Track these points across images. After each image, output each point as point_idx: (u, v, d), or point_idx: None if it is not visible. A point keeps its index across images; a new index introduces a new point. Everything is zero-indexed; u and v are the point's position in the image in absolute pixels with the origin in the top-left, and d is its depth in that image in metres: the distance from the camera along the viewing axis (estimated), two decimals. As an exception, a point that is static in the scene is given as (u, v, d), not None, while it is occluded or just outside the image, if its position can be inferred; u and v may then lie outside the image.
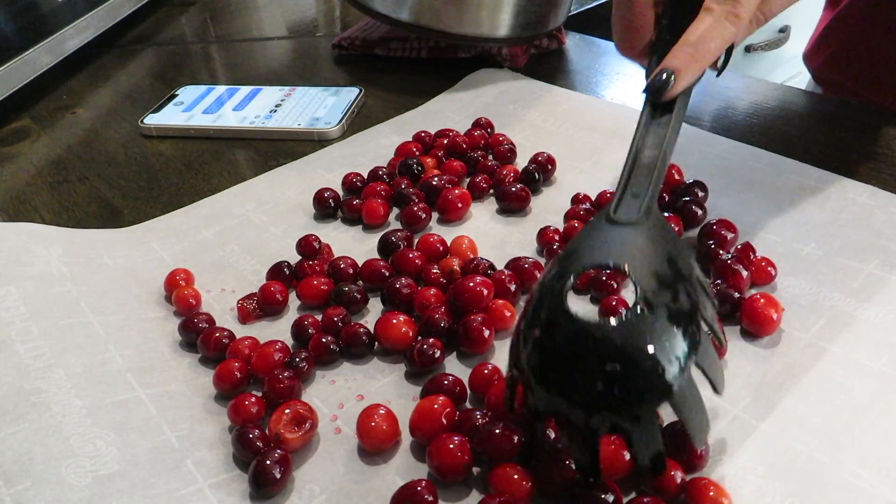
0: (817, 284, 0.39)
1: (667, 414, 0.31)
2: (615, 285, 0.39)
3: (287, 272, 0.42)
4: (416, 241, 0.44)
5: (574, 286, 0.40)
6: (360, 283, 0.42)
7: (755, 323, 0.36)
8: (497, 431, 0.30)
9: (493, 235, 0.46)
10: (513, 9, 0.61)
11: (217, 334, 0.37)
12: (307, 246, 0.44)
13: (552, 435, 0.30)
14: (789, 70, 1.44)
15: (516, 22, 0.61)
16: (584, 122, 0.57)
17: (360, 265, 0.42)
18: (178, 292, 0.41)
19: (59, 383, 0.35)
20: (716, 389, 0.28)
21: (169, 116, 0.63)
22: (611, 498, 0.28)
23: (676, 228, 0.42)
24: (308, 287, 0.40)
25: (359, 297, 0.40)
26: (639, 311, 0.27)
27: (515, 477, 0.29)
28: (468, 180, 0.51)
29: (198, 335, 0.38)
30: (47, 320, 0.38)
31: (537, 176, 0.49)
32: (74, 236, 0.46)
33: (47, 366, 0.35)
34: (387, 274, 0.41)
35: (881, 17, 0.72)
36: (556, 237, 0.43)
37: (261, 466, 0.30)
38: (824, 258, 0.40)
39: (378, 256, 0.44)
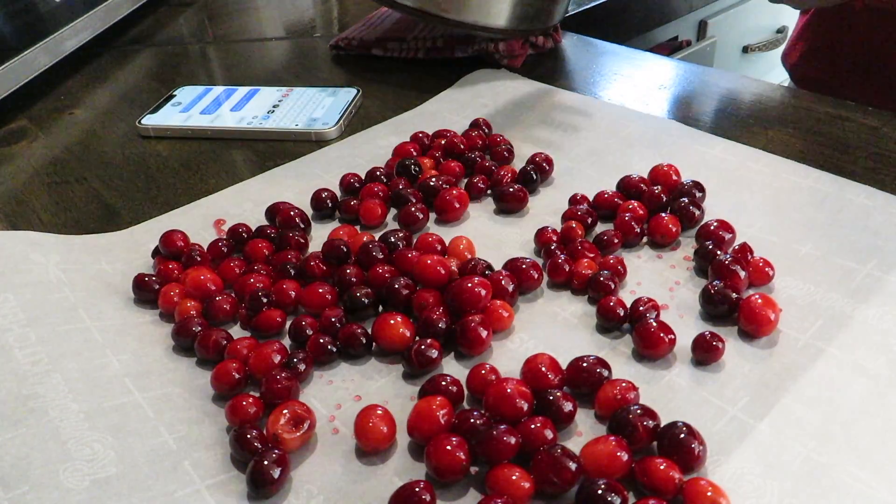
0: (815, 285, 0.39)
1: (666, 413, 0.32)
2: (613, 286, 0.39)
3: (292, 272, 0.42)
4: (414, 241, 0.44)
5: (573, 287, 0.40)
6: (368, 289, 0.41)
7: (753, 323, 0.36)
8: (495, 432, 0.30)
9: (490, 236, 0.46)
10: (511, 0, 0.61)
11: (215, 336, 0.37)
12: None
13: (550, 435, 0.30)
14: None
15: (513, 14, 0.62)
16: (582, 122, 0.57)
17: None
18: (180, 307, 0.40)
19: (57, 388, 0.35)
20: None
21: (166, 117, 0.63)
22: (617, 500, 0.28)
23: (675, 229, 0.43)
24: (313, 295, 0.40)
25: (367, 301, 0.39)
26: None
27: (514, 477, 0.29)
28: (466, 181, 0.51)
29: (192, 340, 0.38)
30: (45, 326, 0.38)
31: (535, 176, 0.49)
32: (72, 243, 0.46)
33: (45, 371, 0.35)
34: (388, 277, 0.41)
35: (855, 16, 0.73)
36: (554, 237, 0.43)
37: (258, 467, 0.30)
38: (822, 259, 0.40)
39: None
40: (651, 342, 0.35)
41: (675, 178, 0.47)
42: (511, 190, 0.47)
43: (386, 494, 0.30)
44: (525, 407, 0.32)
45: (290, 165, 0.55)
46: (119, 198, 0.53)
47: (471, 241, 0.43)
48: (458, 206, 0.47)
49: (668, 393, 0.34)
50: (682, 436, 0.30)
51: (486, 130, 0.56)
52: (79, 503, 0.30)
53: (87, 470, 0.31)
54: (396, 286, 0.39)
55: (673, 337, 0.35)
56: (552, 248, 0.42)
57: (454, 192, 0.47)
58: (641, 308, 0.37)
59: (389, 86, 0.67)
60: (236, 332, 0.40)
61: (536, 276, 0.40)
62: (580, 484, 0.29)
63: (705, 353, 0.35)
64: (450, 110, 0.61)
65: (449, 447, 0.30)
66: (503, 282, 0.39)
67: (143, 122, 0.62)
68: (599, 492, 0.28)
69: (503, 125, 0.57)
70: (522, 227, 0.46)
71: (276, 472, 0.30)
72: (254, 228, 0.46)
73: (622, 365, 0.35)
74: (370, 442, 0.32)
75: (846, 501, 0.28)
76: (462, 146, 0.53)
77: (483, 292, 0.38)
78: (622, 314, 0.37)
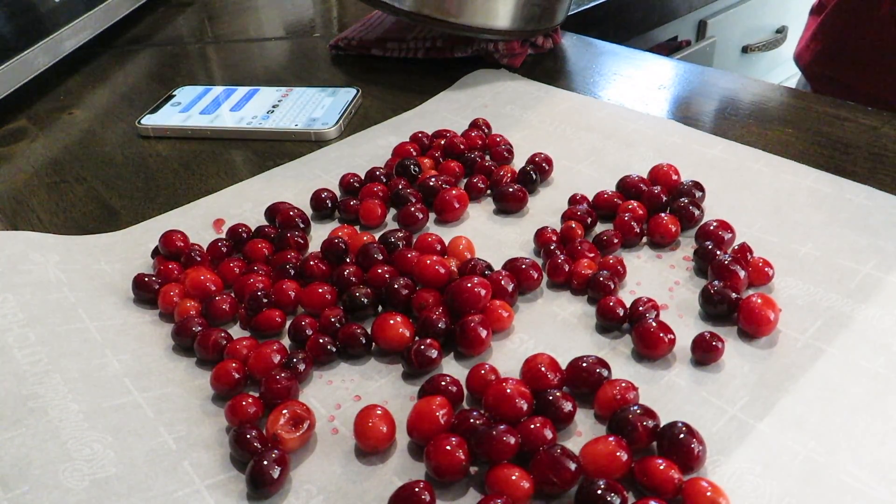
0: (814, 285, 0.39)
1: (666, 413, 0.32)
2: (612, 286, 0.39)
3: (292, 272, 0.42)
4: (413, 241, 0.44)
5: (572, 287, 0.40)
6: (368, 289, 0.40)
7: (752, 323, 0.36)
8: (495, 432, 0.30)
9: (490, 236, 0.46)
10: (516, 0, 0.61)
11: (215, 336, 0.37)
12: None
13: (550, 435, 0.30)
14: (786, 70, 1.44)
15: (519, 14, 0.61)
16: (582, 122, 0.57)
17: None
18: (180, 307, 0.40)
19: (57, 388, 0.35)
20: None
21: (166, 117, 0.63)
22: (617, 500, 0.28)
23: (674, 229, 0.43)
24: (313, 295, 0.40)
25: (366, 301, 0.39)
26: None
27: (513, 477, 0.29)
28: (465, 181, 0.51)
29: (192, 340, 0.38)
30: (45, 326, 0.38)
31: (534, 176, 0.49)
32: (72, 243, 0.46)
33: (45, 371, 0.35)
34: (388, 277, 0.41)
35: (868, 13, 0.74)
36: (554, 238, 0.43)
37: (258, 467, 0.30)
38: (822, 259, 0.40)
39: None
40: (651, 342, 0.35)
41: (674, 178, 0.47)
42: (511, 190, 0.47)
43: (386, 494, 0.30)
44: (525, 407, 0.32)
45: (289, 165, 0.55)
46: (118, 198, 0.53)
47: (470, 241, 0.43)
48: (457, 206, 0.47)
49: (668, 393, 0.34)
50: (682, 436, 0.30)
51: (486, 130, 0.56)
52: (78, 503, 0.30)
53: (86, 470, 0.31)
54: (396, 286, 0.39)
55: (672, 337, 0.35)
56: (552, 248, 0.42)
57: (454, 192, 0.47)
58: (641, 308, 0.37)
59: (389, 86, 0.67)
60: (236, 332, 0.40)
61: (536, 276, 0.40)
62: (580, 484, 0.29)
63: (705, 353, 0.35)
64: (449, 110, 0.61)
65: (448, 447, 0.30)
66: (503, 282, 0.39)
67: (143, 122, 0.62)
68: (599, 492, 0.28)
69: (503, 125, 0.57)
70: (522, 227, 0.46)
71: (276, 472, 0.30)
72: (253, 228, 0.46)
73: (622, 365, 0.35)
74: (370, 442, 0.32)
75: (846, 501, 0.28)
76: (462, 146, 0.53)
77: (483, 292, 0.38)
78: (622, 314, 0.37)
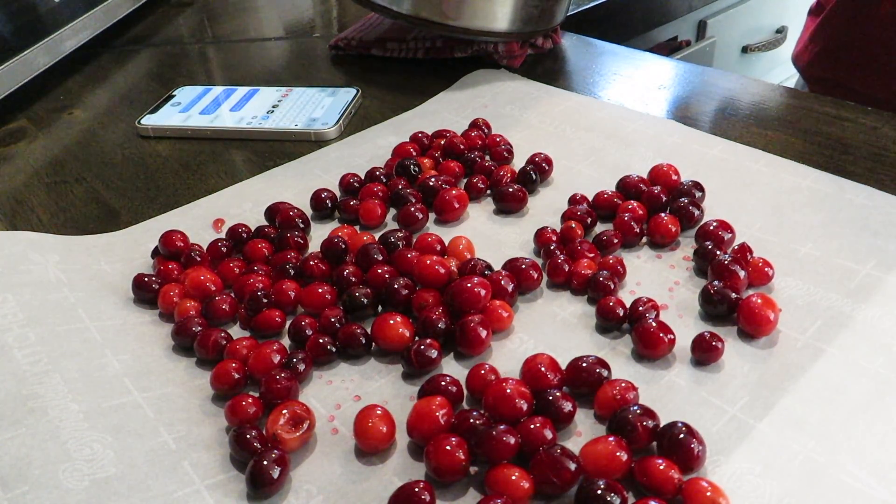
0: (814, 285, 0.39)
1: (665, 413, 0.32)
2: (612, 286, 0.39)
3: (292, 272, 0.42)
4: (413, 241, 0.44)
5: (572, 287, 0.40)
6: (368, 289, 0.40)
7: (752, 323, 0.36)
8: (495, 432, 0.30)
9: (490, 236, 0.46)
10: (514, 2, 0.61)
11: (214, 336, 0.37)
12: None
13: (549, 435, 0.30)
14: (786, 71, 1.44)
15: (517, 16, 0.62)
16: (582, 122, 0.57)
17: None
18: (180, 307, 0.40)
19: (56, 388, 0.35)
20: None
21: (166, 117, 0.63)
22: (617, 500, 0.28)
23: (674, 229, 0.43)
24: (313, 295, 0.40)
25: (366, 301, 0.39)
26: None
27: (513, 477, 0.29)
28: (465, 181, 0.51)
29: (192, 339, 0.38)
30: (44, 326, 0.38)
31: (534, 176, 0.49)
32: (72, 243, 0.46)
33: (44, 371, 0.35)
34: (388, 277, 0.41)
35: (867, 15, 0.74)
36: (554, 238, 0.43)
37: (258, 467, 0.30)
38: (821, 259, 0.40)
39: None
40: (650, 342, 0.35)
41: (674, 178, 0.47)
42: (510, 190, 0.47)
43: (385, 494, 0.30)
44: (524, 407, 0.32)
45: (289, 165, 0.55)
46: (118, 198, 0.53)
47: (470, 242, 0.43)
48: (457, 206, 0.47)
49: (668, 393, 0.34)
50: (682, 436, 0.30)
51: (486, 130, 0.56)
52: (78, 503, 0.30)
53: (86, 470, 0.31)
54: (396, 286, 0.39)
55: (672, 337, 0.35)
56: (552, 248, 0.42)
57: (454, 192, 0.47)
58: (641, 308, 0.37)
59: (389, 86, 0.67)
60: (236, 332, 0.40)
61: (536, 276, 0.40)
62: (580, 484, 0.29)
63: (705, 353, 0.35)
64: (449, 110, 0.61)
65: (448, 447, 0.30)
66: (503, 282, 0.39)
67: (143, 122, 0.62)
68: (599, 492, 0.28)
69: (503, 125, 0.57)
70: (522, 227, 0.46)
71: (276, 472, 0.30)
72: (253, 228, 0.46)
73: (622, 365, 0.35)
74: (370, 442, 0.32)
75: (846, 501, 0.28)
76: (462, 146, 0.53)
77: (483, 292, 0.38)
78: (622, 314, 0.37)
